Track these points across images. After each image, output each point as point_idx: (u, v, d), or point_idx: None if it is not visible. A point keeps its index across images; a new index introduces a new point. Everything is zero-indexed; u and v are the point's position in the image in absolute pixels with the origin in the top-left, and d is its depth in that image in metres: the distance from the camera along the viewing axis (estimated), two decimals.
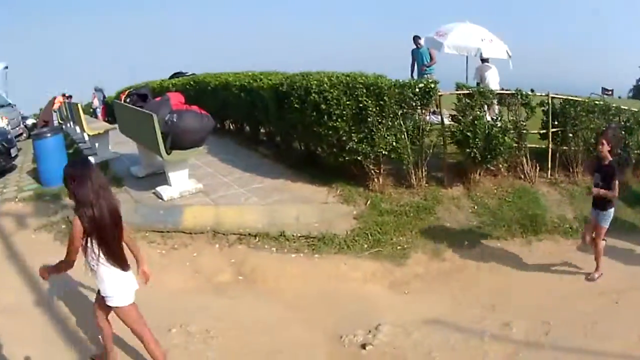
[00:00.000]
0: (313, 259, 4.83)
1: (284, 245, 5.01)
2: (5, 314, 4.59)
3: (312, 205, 5.59)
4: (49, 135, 8.35)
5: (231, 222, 5.44)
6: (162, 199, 6.10)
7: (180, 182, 6.16)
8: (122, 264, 3.01)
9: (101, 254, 2.90)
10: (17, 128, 16.15)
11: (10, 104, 17.20)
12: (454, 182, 5.88)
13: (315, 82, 5.63)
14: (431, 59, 9.49)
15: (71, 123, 13.15)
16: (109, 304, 3.16)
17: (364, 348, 3.50)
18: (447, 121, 6.12)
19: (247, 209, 5.63)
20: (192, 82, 10.37)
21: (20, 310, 4.59)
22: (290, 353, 3.54)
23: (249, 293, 4.49)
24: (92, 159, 8.73)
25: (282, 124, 6.76)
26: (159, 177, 6.78)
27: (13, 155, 10.64)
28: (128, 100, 7.28)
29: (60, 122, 14.52)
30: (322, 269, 4.67)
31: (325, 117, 5.47)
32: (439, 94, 5.79)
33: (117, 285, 3.08)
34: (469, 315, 3.85)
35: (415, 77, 9.24)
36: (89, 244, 2.87)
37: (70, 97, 16.33)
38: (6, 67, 23.13)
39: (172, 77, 13.05)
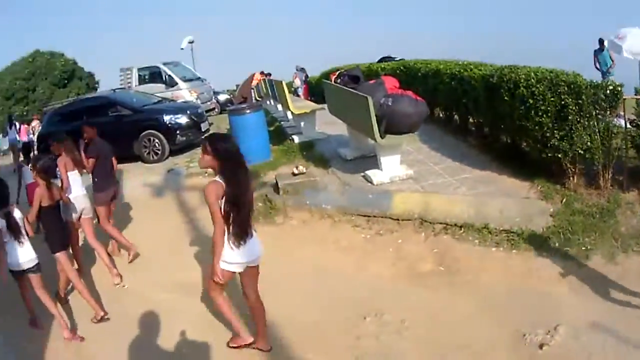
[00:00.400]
0: (511, 254, 6.12)
1: (486, 238, 6.42)
2: (179, 290, 6.40)
3: (515, 200, 7.03)
4: (248, 111, 10.70)
5: (439, 211, 7.00)
6: (371, 183, 7.99)
7: (391, 167, 7.98)
8: (245, 234, 4.57)
9: (229, 220, 4.47)
10: (209, 103, 20.82)
11: (199, 78, 22.00)
12: (631, 186, 7.04)
13: (523, 75, 7.27)
14: (612, 61, 12.23)
15: (271, 100, 16.69)
16: None
17: (541, 348, 4.52)
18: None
19: (456, 199, 7.23)
20: (402, 67, 12.63)
21: (194, 288, 6.36)
22: (476, 348, 4.61)
23: (447, 284, 5.75)
24: (296, 138, 11.43)
25: (490, 115, 8.49)
26: (368, 160, 8.71)
27: (203, 130, 13.91)
28: (339, 81, 9.28)
29: (258, 99, 18.08)
30: (517, 265, 5.90)
31: (532, 111, 7.09)
32: (623, 97, 7.08)
33: (226, 252, 4.62)
34: (624, 320, 4.81)
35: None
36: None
37: (269, 74, 20.16)
38: (192, 42, 28.90)
39: (380, 61, 15.65)
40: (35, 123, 24.79)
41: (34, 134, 21.89)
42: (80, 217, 7.36)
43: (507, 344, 4.66)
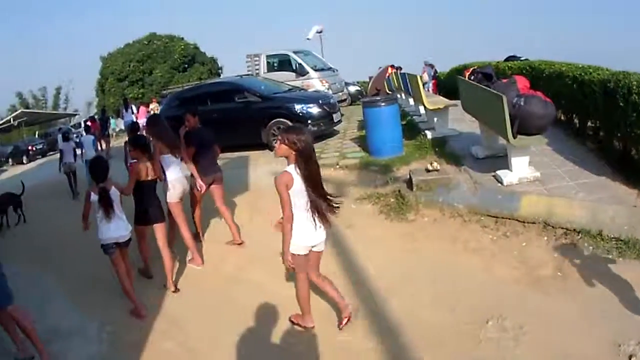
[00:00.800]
0: (618, 262, 6.67)
1: (598, 245, 7.04)
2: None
3: (625, 207, 7.59)
4: (383, 104, 11.85)
5: (561, 215, 7.64)
6: (501, 183, 8.75)
7: (520, 169, 8.70)
8: (319, 221, 5.58)
9: (303, 205, 5.50)
10: (340, 93, 22.32)
11: (331, 68, 23.74)
12: None
13: (635, 82, 7.93)
14: None
15: (402, 94, 18.09)
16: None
17: (630, 359, 5.04)
18: None
19: (576, 203, 7.84)
20: (527, 68, 13.35)
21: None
22: (577, 357, 5.18)
23: (562, 291, 6.31)
24: (429, 133, 12.51)
25: (607, 121, 9.39)
26: (499, 160, 9.41)
27: (336, 121, 15.62)
28: (472, 77, 10.25)
29: (389, 92, 19.58)
30: (622, 274, 6.36)
31: None
32: None
33: (296, 236, 5.61)
34: None
35: None
36: (292, 198, 5.41)
37: (400, 68, 21.88)
38: (320, 31, 30.80)
39: (506, 60, 16.64)
40: (153, 105, 27.66)
41: None
42: (182, 198, 8.49)
43: (604, 353, 5.22)
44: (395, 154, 11.89)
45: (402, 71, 19.77)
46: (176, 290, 7.90)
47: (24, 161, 38.99)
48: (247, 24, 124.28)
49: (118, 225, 7.19)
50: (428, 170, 9.51)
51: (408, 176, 9.80)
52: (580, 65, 11.03)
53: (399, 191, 9.52)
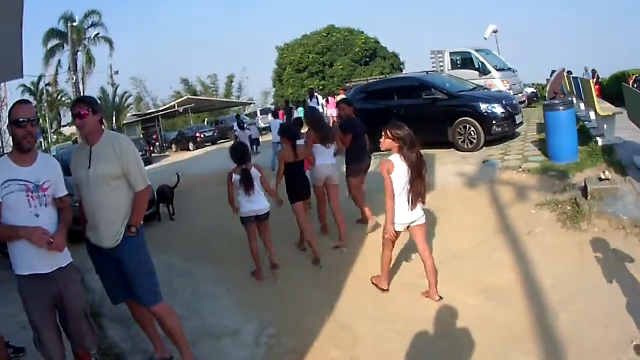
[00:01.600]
0: None
1: None
2: (488, 294, 7.25)
3: None
4: (561, 108, 12.10)
5: None
6: None
7: None
8: (415, 202, 6.62)
9: (400, 189, 6.56)
10: (520, 95, 22.96)
11: (511, 68, 24.64)
12: None
13: None
14: None
15: (574, 98, 18.71)
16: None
17: None
18: None
19: None
20: None
21: (499, 293, 7.27)
22: None
23: None
24: (599, 140, 13.01)
25: None
26: None
27: (518, 122, 15.91)
28: (636, 86, 11.75)
29: (562, 95, 19.88)
30: None
31: None
32: None
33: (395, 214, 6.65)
34: None
35: None
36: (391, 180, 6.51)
37: (571, 72, 22.81)
38: (495, 31, 31.81)
39: None
40: (341, 97, 28.59)
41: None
42: (325, 183, 9.48)
43: None
44: (571, 159, 12.04)
45: (573, 75, 20.57)
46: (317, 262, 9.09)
47: (190, 148, 41.41)
48: (422, 20, 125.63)
49: (258, 200, 8.17)
50: (601, 179, 9.49)
51: (583, 184, 9.85)
52: None
53: (576, 199, 9.52)
